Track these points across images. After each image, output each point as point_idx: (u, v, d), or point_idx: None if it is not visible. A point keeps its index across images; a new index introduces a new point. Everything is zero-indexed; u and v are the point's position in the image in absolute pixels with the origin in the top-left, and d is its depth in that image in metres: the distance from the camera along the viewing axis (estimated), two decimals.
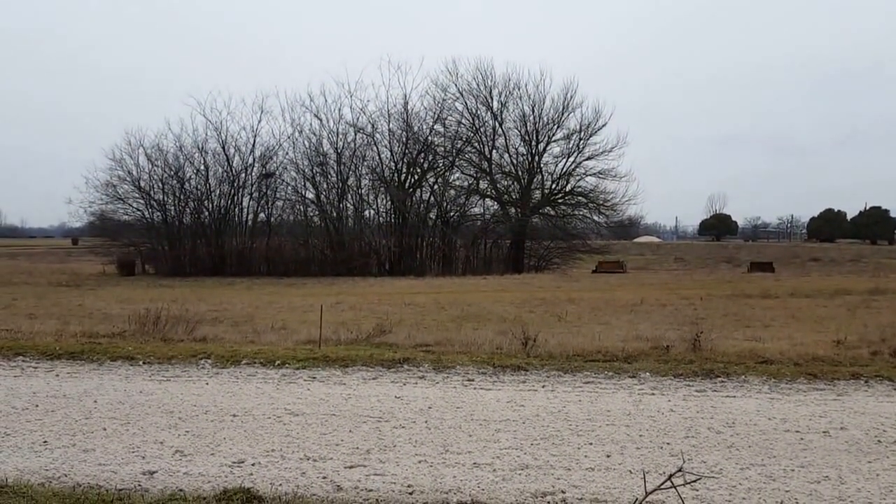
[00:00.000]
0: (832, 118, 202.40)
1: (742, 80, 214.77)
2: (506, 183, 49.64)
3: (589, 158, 47.82)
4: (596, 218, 50.27)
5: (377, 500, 4.40)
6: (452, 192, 48.14)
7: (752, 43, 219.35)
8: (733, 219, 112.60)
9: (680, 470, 2.87)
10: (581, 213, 50.00)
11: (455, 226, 47.58)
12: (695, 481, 3.25)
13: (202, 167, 44.93)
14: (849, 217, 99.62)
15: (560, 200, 49.73)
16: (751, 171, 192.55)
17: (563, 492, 4.47)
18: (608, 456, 5.23)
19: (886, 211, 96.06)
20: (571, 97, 47.32)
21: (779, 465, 5.01)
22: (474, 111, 48.01)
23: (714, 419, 6.29)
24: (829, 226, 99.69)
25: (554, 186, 49.49)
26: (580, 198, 49.08)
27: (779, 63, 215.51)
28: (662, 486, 2.88)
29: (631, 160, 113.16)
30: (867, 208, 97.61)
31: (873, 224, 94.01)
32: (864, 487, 4.56)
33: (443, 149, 47.23)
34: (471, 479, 4.72)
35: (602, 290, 26.55)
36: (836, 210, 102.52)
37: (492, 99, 47.92)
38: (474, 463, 5.04)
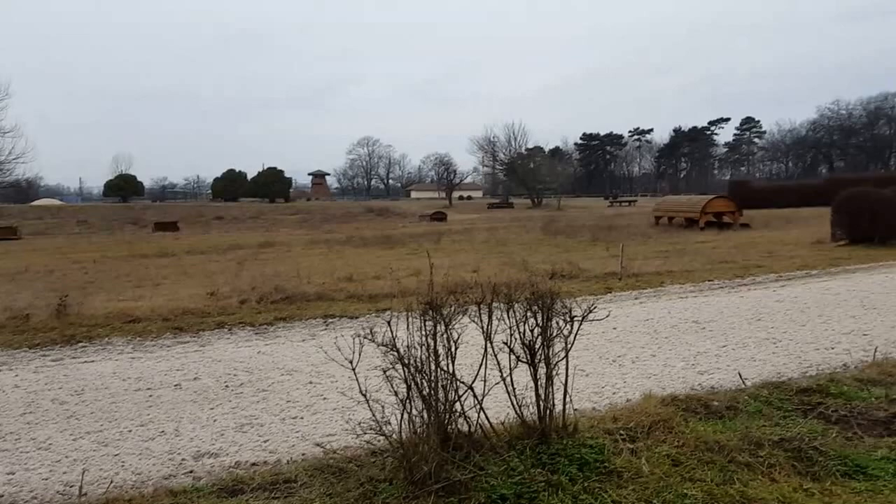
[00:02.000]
0: (229, 80, 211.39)
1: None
2: None
3: None
4: None
5: None
6: None
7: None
8: (139, 179, 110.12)
9: None
10: None
11: None
12: None
13: None
14: (249, 177, 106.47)
15: None
16: (158, 132, 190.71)
17: None
18: None
19: (281, 171, 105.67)
20: None
21: (118, 427, 4.82)
22: None
23: (62, 389, 5.83)
24: (232, 186, 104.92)
25: None
26: None
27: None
28: None
29: (17, 114, 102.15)
30: (265, 169, 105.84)
31: (271, 183, 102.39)
32: (198, 435, 4.62)
33: None
34: None
35: None
36: (237, 171, 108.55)
37: None
38: None
